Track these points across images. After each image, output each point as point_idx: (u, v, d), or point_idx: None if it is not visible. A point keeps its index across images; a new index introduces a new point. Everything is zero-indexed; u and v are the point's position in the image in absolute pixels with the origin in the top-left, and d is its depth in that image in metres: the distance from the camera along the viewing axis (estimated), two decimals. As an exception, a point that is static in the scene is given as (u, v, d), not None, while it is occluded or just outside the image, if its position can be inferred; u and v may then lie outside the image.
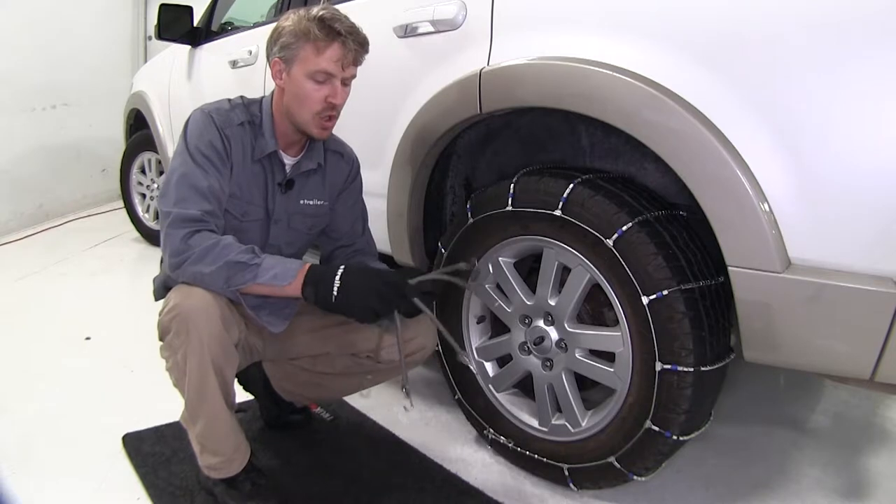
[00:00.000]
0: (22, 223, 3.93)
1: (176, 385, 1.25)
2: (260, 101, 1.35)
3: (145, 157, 3.50)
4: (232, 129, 1.28)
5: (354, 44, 1.23)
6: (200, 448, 1.26)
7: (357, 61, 1.27)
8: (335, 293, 1.15)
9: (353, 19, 1.27)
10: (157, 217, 3.52)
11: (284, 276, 1.17)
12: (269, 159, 1.32)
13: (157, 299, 1.45)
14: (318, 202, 1.41)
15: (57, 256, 3.34)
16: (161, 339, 1.23)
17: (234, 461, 1.28)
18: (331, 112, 1.27)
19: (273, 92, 1.33)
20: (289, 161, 1.35)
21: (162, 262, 1.43)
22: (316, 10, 1.23)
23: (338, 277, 1.16)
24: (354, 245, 1.50)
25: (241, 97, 1.35)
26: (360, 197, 1.52)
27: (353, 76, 1.28)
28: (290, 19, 1.25)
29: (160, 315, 1.22)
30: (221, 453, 1.26)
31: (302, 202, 1.38)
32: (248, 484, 1.29)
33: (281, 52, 1.25)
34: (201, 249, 1.16)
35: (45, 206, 4.16)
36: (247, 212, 1.32)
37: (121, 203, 3.80)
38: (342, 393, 1.57)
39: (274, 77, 1.29)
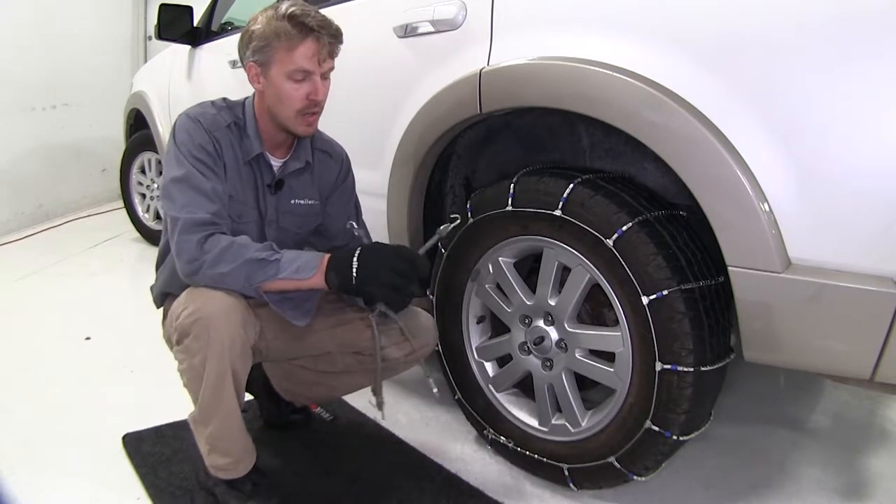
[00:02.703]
0: (22, 223, 3.93)
1: (187, 386, 1.23)
2: (242, 103, 1.33)
3: (145, 157, 3.50)
4: (221, 131, 1.27)
5: (328, 37, 1.22)
6: (209, 448, 1.26)
7: (333, 54, 1.25)
8: (354, 274, 1.16)
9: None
10: (157, 217, 3.52)
11: (307, 268, 1.17)
12: (256, 161, 1.32)
13: (158, 306, 1.44)
14: (310, 202, 1.40)
15: (57, 256, 3.33)
16: (177, 342, 1.20)
17: (242, 462, 1.28)
18: (314, 109, 1.26)
19: (254, 94, 1.32)
20: (276, 162, 1.34)
21: (158, 269, 1.43)
22: (284, 8, 1.20)
23: (355, 259, 1.17)
24: (350, 243, 1.50)
25: (224, 99, 1.34)
26: (354, 194, 1.50)
27: (332, 69, 1.27)
28: (258, 21, 1.23)
29: (176, 318, 1.19)
30: (231, 454, 1.26)
31: (293, 202, 1.38)
32: (249, 484, 1.29)
33: (254, 56, 1.24)
34: (218, 251, 1.15)
35: (45, 206, 4.16)
36: (242, 213, 1.31)
37: (121, 203, 3.80)
38: (343, 392, 1.57)
39: (251, 81, 1.28)
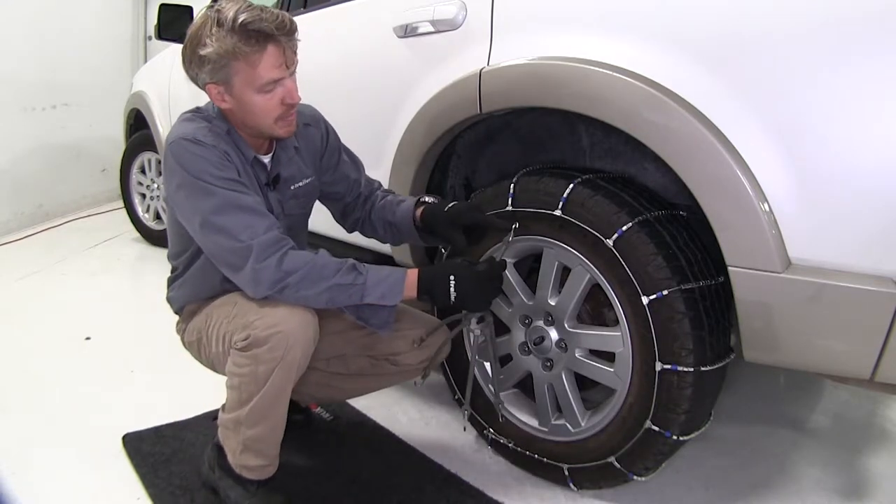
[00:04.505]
0: (22, 223, 3.93)
1: (235, 387, 1.20)
2: (214, 109, 1.27)
3: (145, 157, 3.50)
4: (224, 143, 1.22)
5: (287, 38, 1.16)
6: (243, 448, 1.25)
7: (295, 49, 1.19)
8: (453, 301, 1.21)
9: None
10: (157, 217, 3.52)
11: (392, 294, 1.19)
12: (251, 164, 1.29)
13: (181, 316, 1.43)
14: (306, 180, 1.39)
15: (57, 256, 3.34)
16: (245, 348, 1.16)
17: (270, 466, 1.28)
18: (292, 110, 1.23)
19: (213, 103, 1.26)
20: (265, 159, 1.32)
21: (172, 283, 1.41)
22: (230, 17, 1.11)
23: (452, 289, 1.20)
24: (361, 194, 1.50)
25: (197, 109, 1.29)
26: (342, 148, 1.49)
27: (297, 63, 1.22)
28: (205, 43, 1.13)
29: (245, 326, 1.17)
30: (266, 457, 1.26)
31: (293, 188, 1.37)
32: (255, 484, 1.29)
33: (213, 78, 1.17)
34: (300, 274, 1.14)
35: (45, 206, 4.16)
36: None
37: (121, 203, 3.80)
38: (352, 395, 1.55)
39: (215, 101, 1.22)
